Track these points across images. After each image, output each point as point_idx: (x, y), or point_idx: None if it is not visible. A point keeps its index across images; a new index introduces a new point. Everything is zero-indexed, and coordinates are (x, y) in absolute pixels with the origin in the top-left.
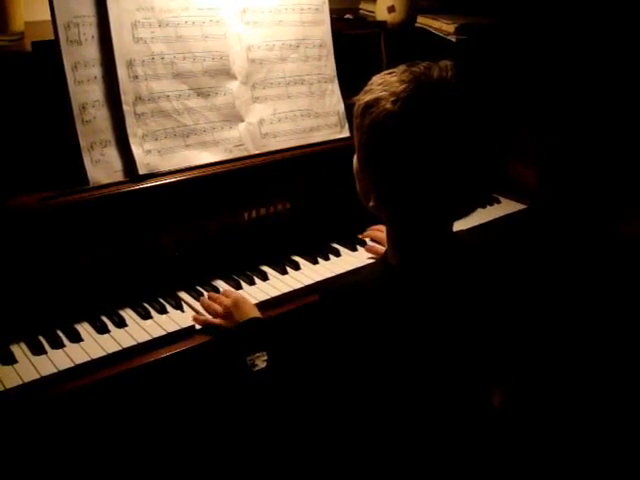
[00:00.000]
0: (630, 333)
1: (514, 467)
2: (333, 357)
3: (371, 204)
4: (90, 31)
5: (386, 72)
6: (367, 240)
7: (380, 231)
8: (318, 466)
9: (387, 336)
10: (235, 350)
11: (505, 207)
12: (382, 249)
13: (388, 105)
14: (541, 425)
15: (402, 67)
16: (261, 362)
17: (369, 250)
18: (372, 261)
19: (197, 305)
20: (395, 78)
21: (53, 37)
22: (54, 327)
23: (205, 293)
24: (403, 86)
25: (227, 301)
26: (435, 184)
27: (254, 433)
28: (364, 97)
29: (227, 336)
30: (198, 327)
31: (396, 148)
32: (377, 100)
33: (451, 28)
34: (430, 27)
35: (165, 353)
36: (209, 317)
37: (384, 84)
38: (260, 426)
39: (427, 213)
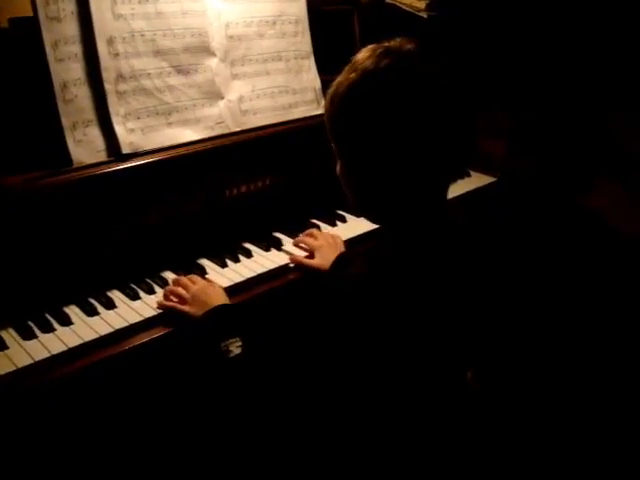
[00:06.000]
0: (600, 308)
1: (490, 446)
2: (337, 347)
3: (356, 202)
4: (69, 7)
5: None
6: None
7: (313, 237)
8: (298, 450)
9: (386, 325)
10: (207, 337)
11: (476, 180)
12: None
13: (352, 75)
14: (515, 403)
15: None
16: (235, 348)
17: (292, 259)
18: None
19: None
20: (357, 54)
21: (26, 14)
22: (42, 311)
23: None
24: (361, 55)
25: (194, 288)
26: (405, 153)
27: (233, 420)
28: (330, 90)
29: (196, 323)
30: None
31: (365, 118)
32: (339, 81)
33: (422, 4)
34: (401, 3)
35: (148, 337)
36: (175, 303)
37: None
38: (237, 412)
39: (408, 190)
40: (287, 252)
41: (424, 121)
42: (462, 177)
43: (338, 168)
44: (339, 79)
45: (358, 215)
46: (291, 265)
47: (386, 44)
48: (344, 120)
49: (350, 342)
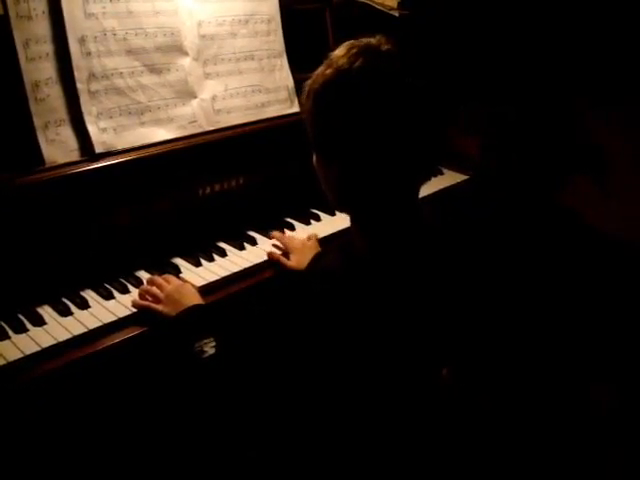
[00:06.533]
0: (575, 304)
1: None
2: (306, 343)
3: (327, 193)
4: (40, 6)
5: None
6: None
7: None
8: (275, 448)
9: (360, 322)
10: (181, 337)
11: (449, 178)
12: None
13: (328, 71)
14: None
15: None
16: (209, 348)
17: (270, 255)
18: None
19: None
20: (335, 50)
21: None
22: (15, 312)
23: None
24: (338, 51)
25: (169, 287)
26: (373, 151)
27: (209, 419)
28: (308, 82)
29: (170, 323)
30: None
31: (336, 115)
32: (316, 75)
33: (394, 3)
34: (373, 2)
35: (123, 336)
36: (150, 302)
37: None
38: (212, 411)
39: (383, 186)
40: (262, 251)
41: (393, 121)
42: (434, 175)
43: (314, 159)
44: (317, 72)
45: (333, 214)
46: (266, 258)
47: (364, 41)
48: (316, 114)
49: (324, 339)
